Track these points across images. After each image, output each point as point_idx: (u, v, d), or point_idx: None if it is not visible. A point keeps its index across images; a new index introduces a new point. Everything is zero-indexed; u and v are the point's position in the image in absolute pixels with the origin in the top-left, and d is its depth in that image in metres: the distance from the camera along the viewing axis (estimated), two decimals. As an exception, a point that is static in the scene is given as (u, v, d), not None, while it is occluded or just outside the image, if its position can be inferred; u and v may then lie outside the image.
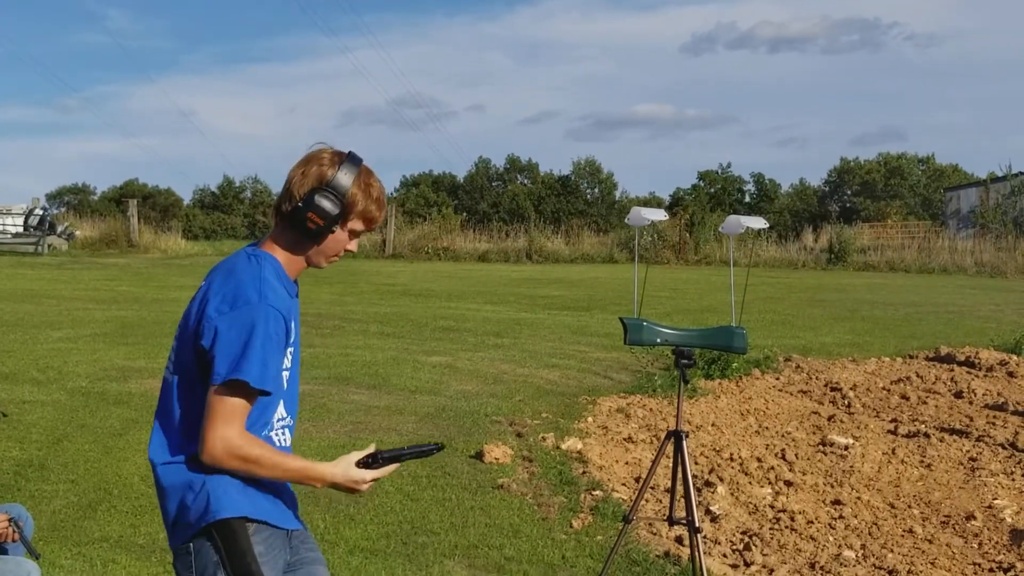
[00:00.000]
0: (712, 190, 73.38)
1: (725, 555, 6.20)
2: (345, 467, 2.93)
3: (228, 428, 2.76)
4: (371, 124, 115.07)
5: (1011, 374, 12.58)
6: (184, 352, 2.90)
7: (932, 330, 17.34)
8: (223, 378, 2.75)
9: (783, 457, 8.49)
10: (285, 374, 2.96)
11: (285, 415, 3.01)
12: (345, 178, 2.87)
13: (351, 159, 2.91)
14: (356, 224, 2.94)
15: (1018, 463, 8.49)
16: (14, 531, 4.32)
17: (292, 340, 2.96)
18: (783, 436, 9.40)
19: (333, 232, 2.91)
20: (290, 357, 2.97)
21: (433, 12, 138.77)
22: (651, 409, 10.29)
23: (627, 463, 8.24)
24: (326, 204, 2.85)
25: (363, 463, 2.97)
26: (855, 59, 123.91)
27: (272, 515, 2.89)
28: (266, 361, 2.77)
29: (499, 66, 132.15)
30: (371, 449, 3.03)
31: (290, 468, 2.87)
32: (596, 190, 73.35)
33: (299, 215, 2.86)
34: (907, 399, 11.22)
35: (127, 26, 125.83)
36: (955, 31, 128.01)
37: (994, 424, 9.86)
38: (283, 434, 2.99)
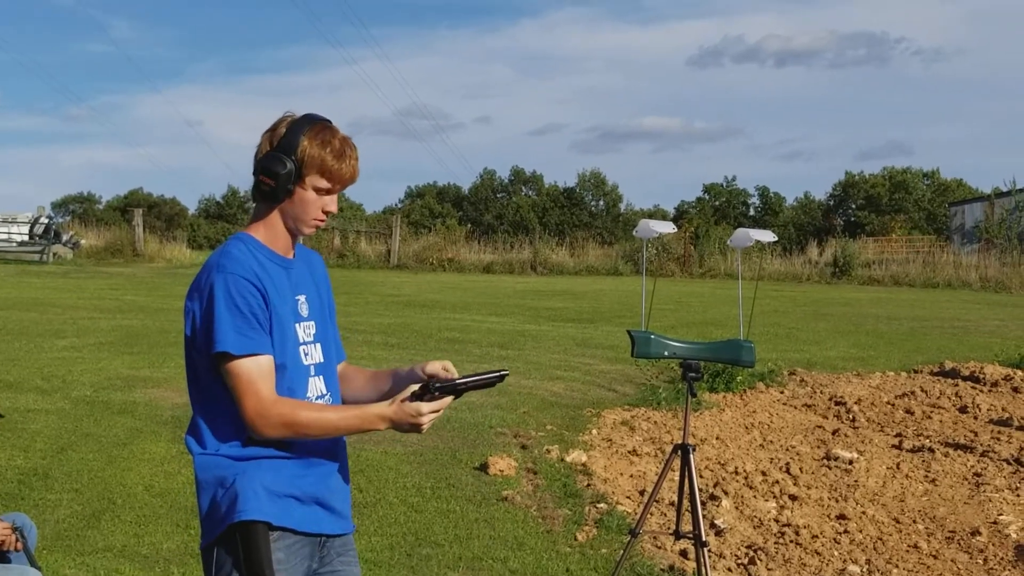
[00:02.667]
0: (717, 203, 73.55)
1: (730, 569, 6.19)
2: (398, 405, 2.84)
3: (254, 400, 2.77)
4: (377, 135, 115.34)
5: (1016, 389, 12.55)
6: (187, 348, 2.91)
7: (937, 345, 17.32)
8: (216, 356, 2.78)
9: (788, 471, 8.47)
10: (303, 348, 2.94)
11: (325, 391, 2.99)
12: (294, 136, 2.84)
13: (305, 118, 2.89)
14: (317, 180, 2.86)
15: (1023, 479, 8.47)
16: (17, 539, 4.32)
17: (305, 314, 2.97)
18: (788, 450, 9.39)
19: (292, 191, 2.86)
20: (306, 329, 2.96)
21: (436, 24, 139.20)
22: (655, 422, 10.27)
23: (631, 476, 8.23)
24: (274, 164, 2.82)
25: (416, 396, 2.84)
26: (862, 73, 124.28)
27: (300, 521, 2.86)
28: (238, 326, 2.77)
29: (503, 78, 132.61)
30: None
31: (341, 425, 2.85)
32: (601, 202, 73.45)
33: (256, 182, 2.87)
34: (912, 414, 11.20)
35: (132, 36, 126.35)
36: (962, 46, 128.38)
37: (999, 439, 9.84)
38: None
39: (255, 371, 2.78)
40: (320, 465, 2.93)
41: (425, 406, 2.83)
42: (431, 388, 2.84)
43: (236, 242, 2.90)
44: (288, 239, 2.95)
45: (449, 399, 2.88)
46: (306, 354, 2.95)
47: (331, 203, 2.92)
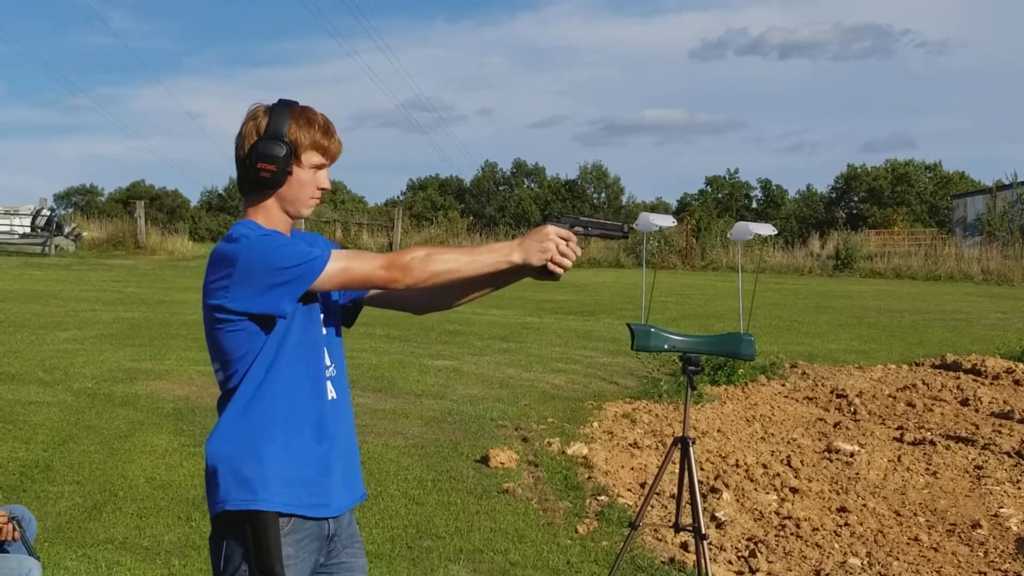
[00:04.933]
0: (719, 195, 73.48)
1: (730, 562, 6.20)
2: (528, 237, 2.92)
3: (372, 263, 2.83)
4: (379, 127, 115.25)
5: (1017, 382, 12.55)
6: (212, 322, 2.87)
7: (938, 337, 17.31)
8: (320, 263, 2.78)
9: (788, 464, 8.47)
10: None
11: (330, 363, 2.98)
12: (279, 119, 2.87)
13: (281, 103, 2.92)
14: (312, 157, 2.90)
15: (1024, 472, 8.47)
16: (15, 529, 4.33)
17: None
18: (789, 443, 9.39)
19: (291, 174, 2.89)
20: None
21: (434, 17, 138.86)
22: (657, 415, 10.28)
23: (632, 468, 8.24)
24: (271, 148, 2.84)
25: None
26: (866, 66, 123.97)
27: (307, 507, 2.85)
28: (298, 249, 2.79)
29: (504, 71, 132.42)
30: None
31: (476, 259, 2.87)
32: (603, 195, 73.39)
33: (251, 172, 2.88)
34: (913, 406, 11.20)
35: (130, 28, 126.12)
36: (966, 39, 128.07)
37: (1000, 432, 9.84)
38: (329, 386, 2.96)
39: (344, 256, 2.83)
40: (333, 438, 2.92)
41: (551, 227, 2.91)
42: (553, 215, 2.94)
43: (241, 227, 2.88)
44: (286, 226, 2.98)
45: (572, 235, 2.93)
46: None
47: (324, 179, 2.96)
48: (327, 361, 2.97)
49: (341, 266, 2.80)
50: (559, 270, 2.92)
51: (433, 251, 2.86)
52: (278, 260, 2.76)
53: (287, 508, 2.81)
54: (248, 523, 2.79)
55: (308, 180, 2.92)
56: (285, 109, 2.89)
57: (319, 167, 2.93)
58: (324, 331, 2.98)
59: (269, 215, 2.93)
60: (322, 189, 2.96)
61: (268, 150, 2.84)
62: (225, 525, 2.85)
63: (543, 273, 2.94)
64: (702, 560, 5.11)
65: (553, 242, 2.89)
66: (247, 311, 2.79)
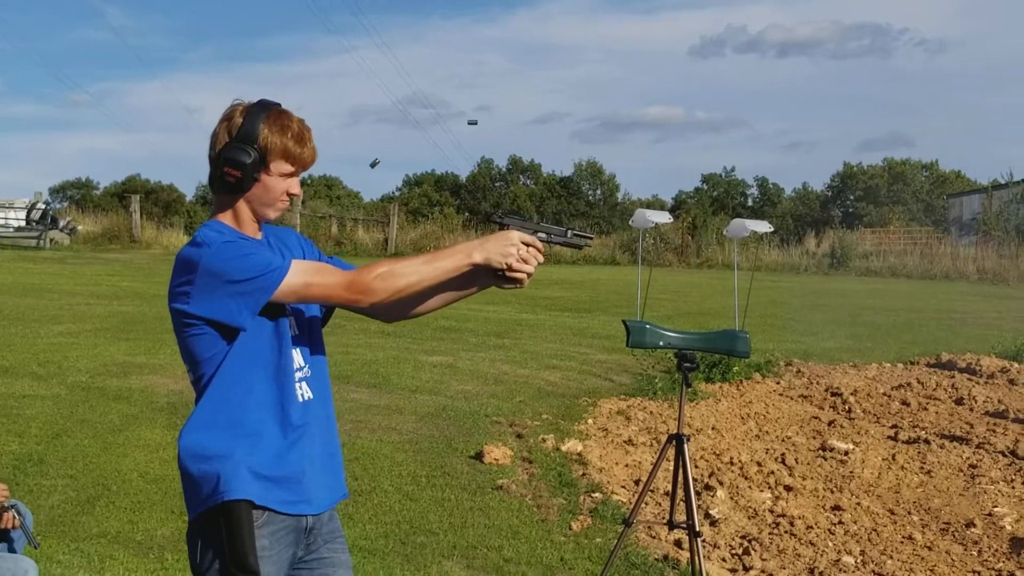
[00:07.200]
0: (715, 193, 73.43)
1: (724, 559, 6.19)
2: (485, 237, 2.90)
3: (329, 281, 2.83)
4: (375, 124, 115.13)
5: (1012, 381, 12.56)
6: (182, 328, 2.89)
7: (933, 336, 17.32)
8: (278, 276, 2.77)
9: (783, 462, 8.47)
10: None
11: (303, 364, 2.96)
12: (252, 124, 2.82)
13: (258, 104, 2.88)
14: (281, 166, 2.86)
15: (1018, 471, 8.47)
16: (14, 517, 4.32)
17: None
18: (783, 441, 9.39)
19: (257, 179, 2.85)
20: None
21: (431, 13, 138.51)
22: (651, 412, 10.27)
23: (627, 465, 8.23)
24: (237, 154, 2.81)
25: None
26: (864, 64, 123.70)
27: (283, 503, 2.84)
28: (260, 265, 2.77)
29: (501, 68, 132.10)
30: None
31: (435, 264, 2.86)
32: (598, 192, 73.33)
33: (218, 174, 2.85)
34: (908, 405, 11.20)
35: (127, 23, 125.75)
36: (965, 38, 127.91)
37: (994, 431, 9.84)
38: (302, 387, 2.94)
39: (306, 271, 2.82)
40: (305, 438, 2.91)
41: (515, 233, 2.90)
42: (507, 214, 2.93)
43: (207, 229, 2.87)
44: (255, 225, 2.95)
45: (536, 241, 2.93)
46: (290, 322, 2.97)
47: (294, 185, 2.93)
48: (300, 362, 2.96)
49: (302, 281, 2.80)
50: (520, 275, 2.92)
51: (395, 266, 2.84)
52: (235, 272, 2.76)
53: (259, 500, 2.80)
54: (221, 516, 2.78)
55: (276, 186, 2.89)
56: (260, 112, 2.85)
57: (289, 175, 2.90)
58: (296, 332, 2.97)
59: (238, 216, 2.92)
60: (292, 194, 2.93)
61: (235, 155, 2.82)
62: (201, 522, 2.84)
63: (504, 280, 2.93)
64: (696, 557, 5.10)
65: (516, 246, 2.90)
66: (208, 317, 2.80)
